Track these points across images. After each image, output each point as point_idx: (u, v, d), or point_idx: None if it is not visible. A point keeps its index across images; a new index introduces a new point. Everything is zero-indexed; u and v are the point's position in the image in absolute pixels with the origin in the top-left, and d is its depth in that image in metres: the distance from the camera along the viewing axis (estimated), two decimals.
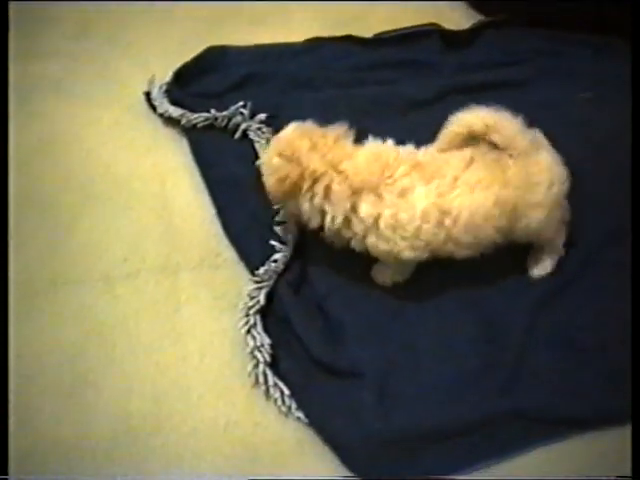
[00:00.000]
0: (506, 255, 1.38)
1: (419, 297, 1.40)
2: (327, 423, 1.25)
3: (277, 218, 1.46)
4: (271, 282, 1.38)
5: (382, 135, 1.55)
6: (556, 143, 1.56)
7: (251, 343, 1.31)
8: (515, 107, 1.66)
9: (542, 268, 1.43)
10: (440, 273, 1.41)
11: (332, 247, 1.35)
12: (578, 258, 1.46)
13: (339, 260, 1.42)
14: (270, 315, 1.37)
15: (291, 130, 1.29)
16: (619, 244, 1.45)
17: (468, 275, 1.42)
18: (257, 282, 1.38)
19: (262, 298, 1.35)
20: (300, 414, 1.27)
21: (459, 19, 1.95)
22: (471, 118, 1.28)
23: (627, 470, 1.11)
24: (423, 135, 1.58)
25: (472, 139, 1.30)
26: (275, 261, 1.40)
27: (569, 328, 1.37)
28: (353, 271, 1.42)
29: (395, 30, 1.85)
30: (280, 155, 1.26)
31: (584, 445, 1.26)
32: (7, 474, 1.12)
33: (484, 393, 1.28)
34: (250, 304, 1.35)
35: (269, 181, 1.29)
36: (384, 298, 1.39)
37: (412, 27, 1.84)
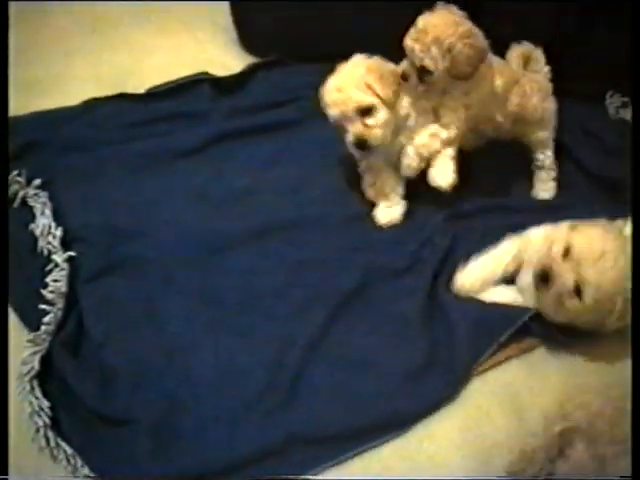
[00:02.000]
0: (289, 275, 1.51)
1: (194, 333, 1.45)
2: (111, 476, 1.27)
3: (47, 279, 1.48)
4: (45, 345, 1.40)
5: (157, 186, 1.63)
6: (330, 177, 1.68)
7: (29, 409, 1.32)
8: (287, 147, 1.77)
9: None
10: (214, 304, 1.48)
11: None
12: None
13: (115, 304, 1.47)
14: (50, 378, 1.39)
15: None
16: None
17: (248, 299, 1.50)
18: (31, 347, 1.39)
19: (37, 363, 1.37)
20: (86, 471, 1.28)
21: (232, 63, 2.01)
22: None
23: None
24: (194, 182, 1.66)
25: None
26: (47, 324, 1.42)
27: (345, 344, 1.44)
28: (129, 314, 1.47)
29: (166, 83, 1.90)
30: None
31: None
32: (7, 474, 1.12)
33: (261, 421, 1.33)
34: (25, 370, 1.36)
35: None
36: (158, 338, 1.44)
37: (182, 78, 1.90)
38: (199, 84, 1.90)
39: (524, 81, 1.66)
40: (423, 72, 1.48)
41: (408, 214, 1.67)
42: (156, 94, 1.89)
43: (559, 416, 1.26)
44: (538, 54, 1.70)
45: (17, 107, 1.87)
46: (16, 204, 1.67)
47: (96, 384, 1.36)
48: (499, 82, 1.58)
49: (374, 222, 1.64)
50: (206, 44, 2.06)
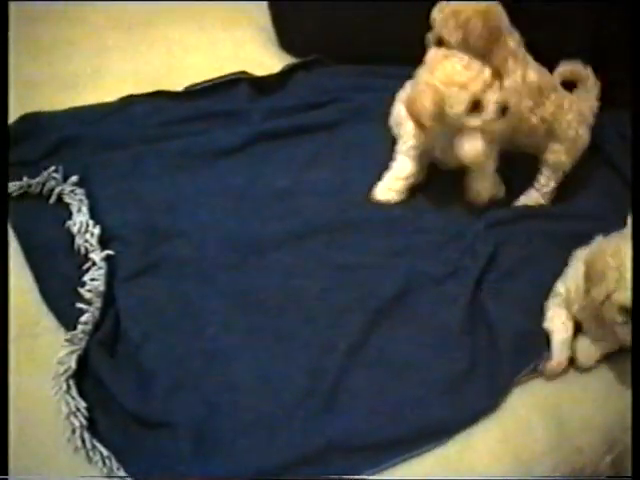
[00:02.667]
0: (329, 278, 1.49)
1: (233, 336, 1.43)
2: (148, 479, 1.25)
3: (84, 278, 1.47)
4: (83, 344, 1.38)
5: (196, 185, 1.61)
6: (370, 180, 1.65)
7: (65, 409, 1.31)
8: (327, 148, 1.75)
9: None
10: (253, 307, 1.46)
11: None
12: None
13: (154, 305, 1.45)
14: (87, 377, 1.37)
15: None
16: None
17: (288, 302, 1.48)
18: (68, 347, 1.38)
19: (73, 363, 1.35)
20: (122, 473, 1.26)
21: (270, 63, 1.99)
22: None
23: None
24: (233, 182, 1.64)
25: None
26: (85, 323, 1.40)
27: (385, 351, 1.42)
28: (168, 316, 1.45)
29: (204, 82, 1.88)
30: None
31: None
32: (7, 474, 1.11)
33: (300, 427, 1.31)
34: (61, 370, 1.34)
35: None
36: (197, 340, 1.42)
37: (221, 77, 1.88)
38: (237, 83, 1.88)
39: (563, 94, 1.65)
40: (441, 43, 1.55)
41: (448, 220, 1.64)
42: (194, 92, 1.87)
43: (607, 446, 1.27)
44: (590, 82, 1.69)
45: (54, 103, 1.87)
46: (52, 201, 1.65)
47: (133, 385, 1.34)
48: (533, 76, 1.60)
49: (416, 226, 1.62)
50: (244, 43, 2.04)
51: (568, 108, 1.65)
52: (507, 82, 1.57)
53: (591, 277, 1.34)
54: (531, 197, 1.71)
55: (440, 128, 1.52)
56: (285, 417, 1.31)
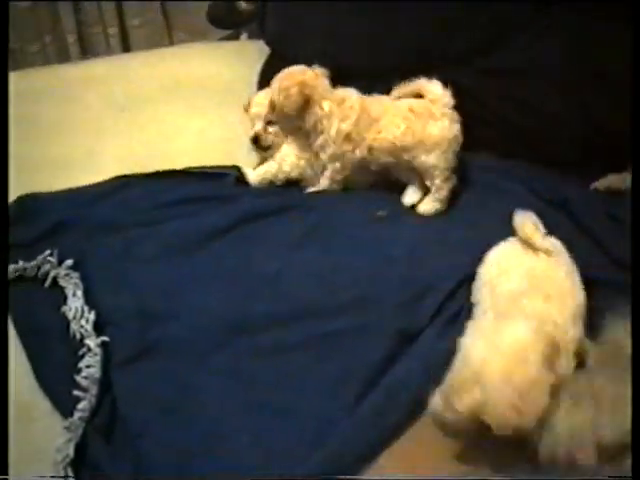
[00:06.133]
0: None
1: (232, 413, 1.45)
2: None
3: (80, 364, 1.49)
4: (80, 431, 1.40)
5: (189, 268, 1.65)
6: (352, 265, 1.69)
7: None
8: (313, 229, 1.79)
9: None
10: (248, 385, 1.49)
11: None
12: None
13: (150, 390, 1.48)
14: (85, 465, 1.39)
15: None
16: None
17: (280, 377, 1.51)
18: (66, 434, 1.40)
19: (71, 451, 1.36)
20: None
21: None
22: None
23: None
24: (225, 263, 1.67)
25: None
26: (82, 410, 1.42)
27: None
28: (165, 400, 1.47)
29: (198, 168, 1.95)
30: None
31: None
32: (7, 474, 1.12)
33: None
34: (59, 458, 1.36)
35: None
36: (196, 423, 1.43)
37: (214, 167, 1.96)
38: (228, 174, 1.96)
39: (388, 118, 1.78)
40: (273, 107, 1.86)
41: None
42: (187, 176, 1.93)
43: None
44: (431, 86, 1.76)
45: (49, 184, 1.91)
46: (47, 284, 1.68)
47: (133, 473, 1.35)
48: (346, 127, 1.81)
49: None
50: (234, 124, 2.08)
51: (407, 118, 1.77)
52: (319, 140, 1.82)
53: None
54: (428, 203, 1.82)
55: None
56: None
